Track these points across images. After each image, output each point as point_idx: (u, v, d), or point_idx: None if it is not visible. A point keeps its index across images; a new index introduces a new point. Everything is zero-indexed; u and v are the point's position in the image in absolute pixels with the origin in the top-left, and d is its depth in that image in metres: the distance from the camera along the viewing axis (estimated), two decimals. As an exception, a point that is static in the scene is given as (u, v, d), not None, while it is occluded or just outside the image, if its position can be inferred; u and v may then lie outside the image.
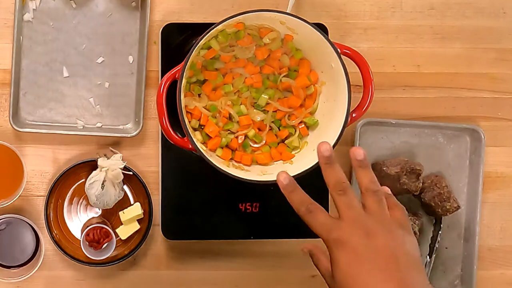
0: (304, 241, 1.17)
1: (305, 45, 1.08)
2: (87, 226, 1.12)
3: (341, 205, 0.78)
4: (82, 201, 1.16)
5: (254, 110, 1.10)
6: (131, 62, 1.15)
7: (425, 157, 1.19)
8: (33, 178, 1.16)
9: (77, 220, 1.16)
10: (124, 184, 1.13)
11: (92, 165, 1.12)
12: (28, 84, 1.14)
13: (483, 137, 1.17)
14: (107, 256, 1.11)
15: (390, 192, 0.85)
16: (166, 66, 1.08)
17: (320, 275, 1.19)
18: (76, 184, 1.15)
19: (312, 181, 1.12)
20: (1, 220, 1.11)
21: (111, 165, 1.09)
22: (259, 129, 1.10)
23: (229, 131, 1.10)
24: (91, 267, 1.15)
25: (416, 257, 0.75)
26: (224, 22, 1.01)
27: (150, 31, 1.15)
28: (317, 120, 1.09)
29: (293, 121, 1.10)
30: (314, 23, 1.02)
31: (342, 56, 1.03)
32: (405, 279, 0.72)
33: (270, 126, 1.10)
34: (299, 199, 0.82)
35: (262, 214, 1.15)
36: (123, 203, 1.13)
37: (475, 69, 1.20)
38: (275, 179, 1.04)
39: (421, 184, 1.15)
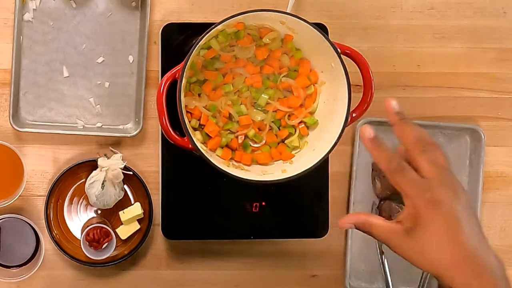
0: (304, 241, 1.17)
1: (305, 45, 1.08)
2: (87, 226, 1.12)
3: (425, 163, 0.74)
4: (82, 201, 1.16)
5: (254, 110, 1.10)
6: (131, 62, 1.15)
7: (425, 157, 1.18)
8: (33, 178, 1.16)
9: (77, 220, 1.16)
10: (124, 184, 1.13)
11: (92, 165, 1.12)
12: (28, 84, 1.14)
13: (483, 136, 1.17)
14: (107, 256, 1.11)
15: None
16: (166, 66, 1.08)
17: (320, 275, 1.19)
18: (76, 184, 1.15)
19: (312, 181, 1.13)
20: (1, 220, 1.11)
21: (111, 165, 1.09)
22: (259, 129, 1.10)
23: (229, 131, 1.09)
24: (91, 267, 1.15)
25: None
26: (224, 22, 1.01)
27: (150, 31, 1.14)
28: (317, 120, 1.09)
29: (293, 121, 1.10)
30: (314, 23, 1.02)
31: (342, 56, 1.02)
32: (484, 237, 0.72)
33: (270, 126, 1.10)
34: (387, 156, 0.76)
35: (262, 214, 1.14)
36: (123, 203, 1.13)
37: (475, 69, 1.20)
38: (275, 179, 1.04)
39: (421, 184, 1.14)
